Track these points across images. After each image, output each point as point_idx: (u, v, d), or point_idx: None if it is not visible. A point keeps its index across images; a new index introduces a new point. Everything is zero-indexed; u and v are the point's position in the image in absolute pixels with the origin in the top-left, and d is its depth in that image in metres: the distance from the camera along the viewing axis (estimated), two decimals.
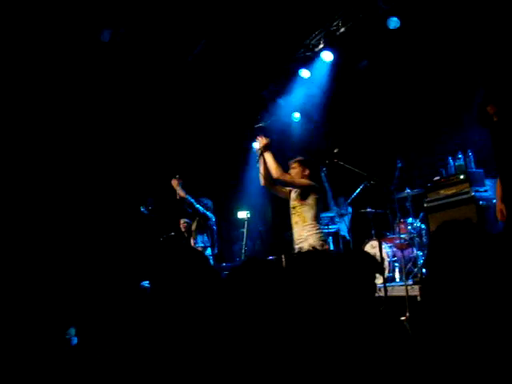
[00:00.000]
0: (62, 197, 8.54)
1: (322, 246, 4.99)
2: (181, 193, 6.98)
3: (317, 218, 5.08)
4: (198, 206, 7.12)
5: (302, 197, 5.09)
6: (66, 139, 8.56)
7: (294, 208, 5.20)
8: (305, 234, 5.04)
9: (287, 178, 5.06)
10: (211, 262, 7.29)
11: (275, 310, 1.85)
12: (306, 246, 4.93)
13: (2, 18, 6.62)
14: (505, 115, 4.14)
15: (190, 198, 7.05)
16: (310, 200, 5.04)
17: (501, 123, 4.16)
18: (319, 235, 5.02)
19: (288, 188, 5.25)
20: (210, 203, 7.41)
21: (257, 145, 5.22)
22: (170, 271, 2.20)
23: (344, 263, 2.09)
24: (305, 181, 5.11)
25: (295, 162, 5.24)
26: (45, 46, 7.08)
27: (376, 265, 2.75)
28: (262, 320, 1.84)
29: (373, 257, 2.85)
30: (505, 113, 4.13)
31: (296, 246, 5.15)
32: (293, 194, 5.23)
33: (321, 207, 5.16)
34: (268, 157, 5.06)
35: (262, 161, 5.14)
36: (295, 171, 5.19)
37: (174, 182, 7.02)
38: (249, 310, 1.84)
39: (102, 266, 7.96)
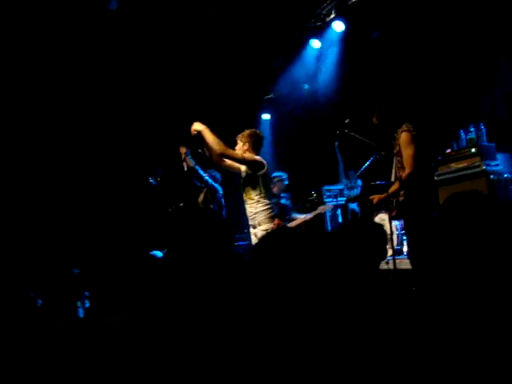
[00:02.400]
0: (73, 168, 8.56)
1: (271, 222, 4.94)
2: (189, 162, 6.87)
3: (262, 194, 4.98)
4: (206, 177, 7.07)
5: (246, 174, 5.02)
6: (79, 109, 8.54)
7: (241, 185, 5.14)
8: (253, 211, 5.00)
9: (229, 152, 4.92)
10: None
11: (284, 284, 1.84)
12: (256, 223, 4.98)
13: None
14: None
15: (199, 168, 6.96)
16: (254, 176, 4.95)
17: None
18: (267, 212, 4.95)
19: (237, 164, 5.11)
20: (218, 175, 7.36)
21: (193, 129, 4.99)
22: (192, 238, 2.20)
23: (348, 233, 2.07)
24: (248, 155, 4.97)
25: (238, 136, 5.15)
26: (51, 16, 7.00)
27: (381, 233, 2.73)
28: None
29: (379, 225, 2.83)
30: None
31: (250, 223, 5.12)
32: (242, 170, 5.13)
33: (267, 182, 5.05)
34: (206, 134, 4.86)
35: (204, 142, 4.96)
36: (238, 146, 5.10)
37: (182, 150, 6.89)
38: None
39: (110, 237, 8.01)
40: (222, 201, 7.38)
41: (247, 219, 5.28)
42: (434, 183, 4.66)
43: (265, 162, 5.03)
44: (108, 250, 7.57)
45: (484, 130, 6.27)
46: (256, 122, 9.85)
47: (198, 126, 4.89)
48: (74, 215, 8.36)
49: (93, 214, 8.51)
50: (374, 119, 4.78)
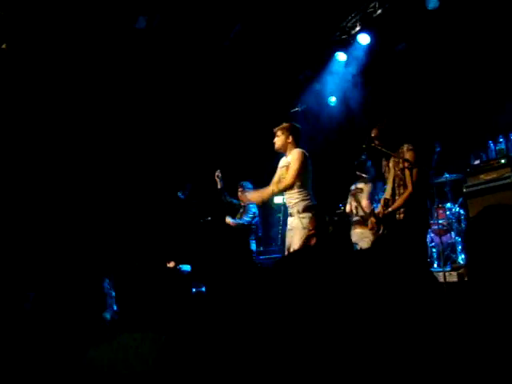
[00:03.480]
0: (101, 181, 8.70)
1: (310, 211, 5.14)
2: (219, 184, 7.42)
3: (304, 185, 5.21)
4: (231, 199, 7.60)
5: (287, 166, 5.29)
6: (110, 122, 8.72)
7: (281, 176, 5.38)
8: (293, 201, 5.21)
9: (283, 185, 5.23)
10: (254, 245, 7.51)
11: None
12: (294, 211, 5.19)
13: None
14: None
15: (226, 195, 7.54)
16: (297, 164, 5.18)
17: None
18: (307, 201, 5.16)
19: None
20: (250, 185, 7.53)
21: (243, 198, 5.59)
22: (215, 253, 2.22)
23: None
24: (296, 165, 5.16)
25: (278, 129, 5.39)
26: (80, 34, 7.18)
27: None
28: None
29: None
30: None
31: (289, 212, 5.35)
32: (282, 165, 5.41)
33: (308, 172, 5.26)
34: (252, 196, 5.53)
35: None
36: (279, 139, 5.35)
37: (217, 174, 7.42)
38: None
39: (138, 251, 8.09)
40: (256, 212, 7.57)
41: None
42: (427, 203, 4.93)
43: (306, 153, 5.26)
44: (135, 262, 7.64)
45: None
46: None
47: (254, 199, 5.54)
48: (104, 228, 8.48)
49: (122, 226, 8.62)
50: (375, 133, 4.92)
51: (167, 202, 8.67)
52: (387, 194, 4.99)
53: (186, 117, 9.10)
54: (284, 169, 5.34)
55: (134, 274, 2.52)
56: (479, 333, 2.09)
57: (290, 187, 5.20)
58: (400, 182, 4.75)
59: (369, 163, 7.23)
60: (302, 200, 5.16)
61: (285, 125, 5.39)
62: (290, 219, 5.33)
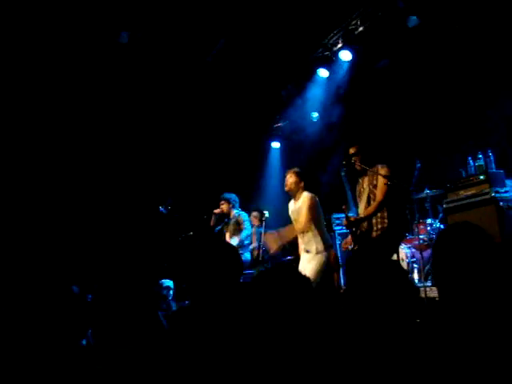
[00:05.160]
0: (81, 197, 8.66)
1: (328, 249, 5.45)
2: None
3: (319, 224, 5.46)
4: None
5: (302, 210, 5.47)
6: (89, 139, 8.70)
7: (295, 220, 5.58)
8: (312, 239, 5.42)
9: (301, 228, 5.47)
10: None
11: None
12: (312, 249, 5.40)
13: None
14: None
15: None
16: (311, 212, 5.40)
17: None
18: (324, 239, 5.42)
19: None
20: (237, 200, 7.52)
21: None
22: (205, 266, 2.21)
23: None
24: (312, 203, 5.39)
25: (292, 171, 5.59)
26: (62, 47, 7.18)
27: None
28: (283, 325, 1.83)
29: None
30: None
31: (305, 248, 5.51)
32: (293, 210, 5.60)
33: (320, 211, 5.53)
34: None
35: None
36: (292, 180, 5.53)
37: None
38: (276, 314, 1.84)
39: (120, 265, 8.03)
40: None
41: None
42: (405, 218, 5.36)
43: (316, 197, 5.52)
44: (117, 277, 7.59)
45: (492, 157, 6.25)
46: (265, 150, 9.89)
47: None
48: (85, 243, 8.42)
49: (103, 241, 8.57)
50: (353, 151, 5.17)
51: (149, 216, 8.63)
52: (360, 211, 5.18)
53: (168, 131, 9.10)
54: (296, 213, 5.53)
55: (116, 290, 2.51)
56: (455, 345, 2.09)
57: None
58: (373, 198, 5.03)
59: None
60: (321, 238, 5.39)
61: (297, 169, 5.60)
62: (305, 255, 5.50)
